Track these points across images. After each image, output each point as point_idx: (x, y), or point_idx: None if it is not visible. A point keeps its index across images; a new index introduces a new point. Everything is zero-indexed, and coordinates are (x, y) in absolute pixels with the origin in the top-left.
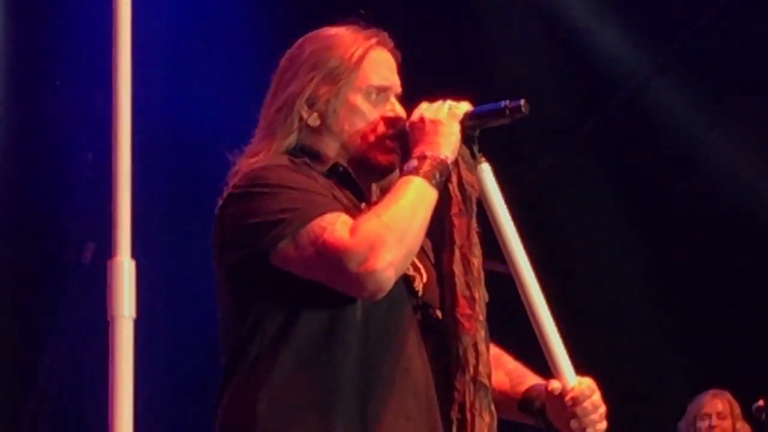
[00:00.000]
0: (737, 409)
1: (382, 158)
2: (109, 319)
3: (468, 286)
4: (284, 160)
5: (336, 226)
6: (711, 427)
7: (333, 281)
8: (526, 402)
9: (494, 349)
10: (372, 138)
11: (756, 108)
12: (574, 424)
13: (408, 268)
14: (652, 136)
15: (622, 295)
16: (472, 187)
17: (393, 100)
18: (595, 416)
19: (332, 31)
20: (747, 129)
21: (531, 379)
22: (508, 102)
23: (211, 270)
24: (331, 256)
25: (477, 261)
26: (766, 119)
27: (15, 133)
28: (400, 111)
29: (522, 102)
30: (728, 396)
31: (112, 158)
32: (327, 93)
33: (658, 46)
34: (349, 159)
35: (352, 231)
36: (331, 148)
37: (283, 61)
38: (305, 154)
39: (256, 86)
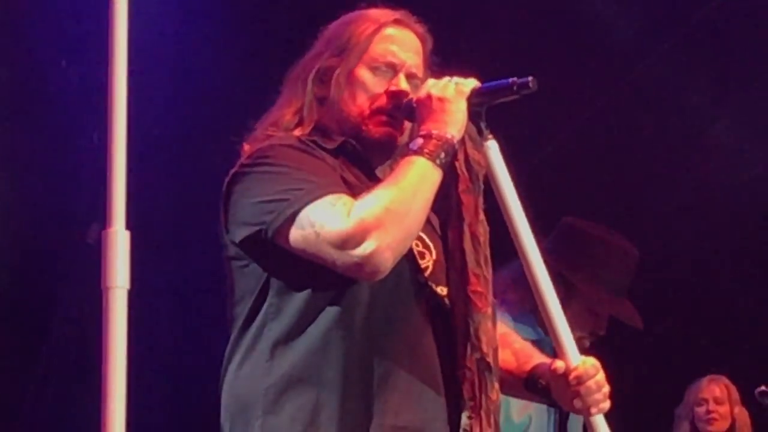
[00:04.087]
0: (735, 394)
1: (376, 131)
2: (102, 290)
3: (478, 263)
4: (292, 139)
5: (335, 207)
6: (708, 411)
7: (331, 264)
8: (532, 380)
9: (502, 328)
10: (368, 110)
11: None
12: (578, 402)
13: (416, 245)
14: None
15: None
16: (479, 164)
17: (401, 77)
18: (598, 395)
19: (362, 10)
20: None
21: (537, 358)
22: (516, 78)
23: (210, 242)
24: (329, 238)
25: (484, 239)
26: None
27: (20, 114)
28: (405, 87)
29: (530, 78)
30: (725, 381)
31: (107, 129)
32: (332, 65)
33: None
34: (346, 132)
35: (351, 213)
36: (333, 122)
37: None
38: (315, 131)
39: (250, 61)
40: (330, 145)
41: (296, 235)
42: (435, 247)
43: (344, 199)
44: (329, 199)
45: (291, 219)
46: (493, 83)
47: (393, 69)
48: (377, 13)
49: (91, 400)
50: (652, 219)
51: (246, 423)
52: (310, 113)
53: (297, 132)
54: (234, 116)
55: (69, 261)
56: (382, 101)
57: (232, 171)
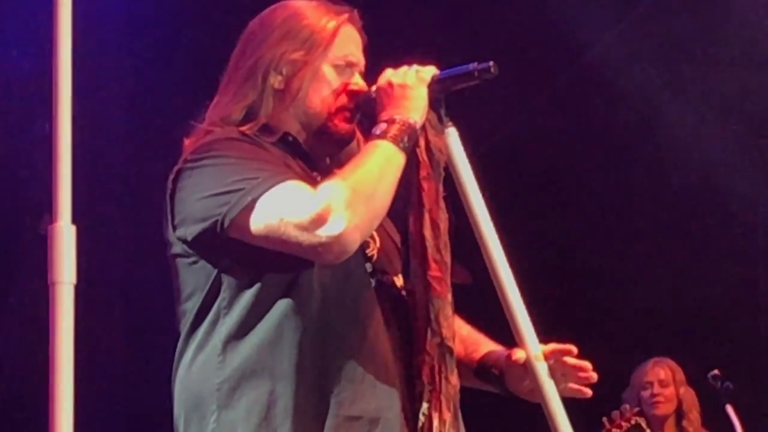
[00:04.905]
0: (680, 375)
1: (342, 127)
2: (49, 285)
3: (438, 249)
4: (234, 132)
5: (298, 192)
6: (653, 395)
7: (297, 247)
8: (484, 369)
9: None
10: (333, 107)
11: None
12: (572, 388)
13: None
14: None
15: (582, 259)
16: (440, 151)
17: (358, 75)
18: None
19: (304, 2)
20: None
21: (486, 346)
22: (476, 64)
23: (157, 237)
24: (295, 221)
25: (444, 225)
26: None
27: None
28: (363, 86)
29: (491, 64)
30: (670, 363)
31: (53, 122)
32: (297, 60)
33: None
34: (308, 127)
35: (317, 195)
36: (290, 115)
37: (253, 26)
38: (261, 128)
39: (200, 53)
40: (270, 139)
41: (257, 222)
42: (378, 235)
43: (302, 184)
44: (289, 184)
45: (249, 207)
46: (454, 69)
47: (351, 67)
48: (329, 9)
49: (43, 396)
50: (605, 201)
51: (201, 418)
52: (266, 107)
53: (245, 128)
54: (184, 109)
55: (21, 252)
56: (344, 99)
57: (176, 167)
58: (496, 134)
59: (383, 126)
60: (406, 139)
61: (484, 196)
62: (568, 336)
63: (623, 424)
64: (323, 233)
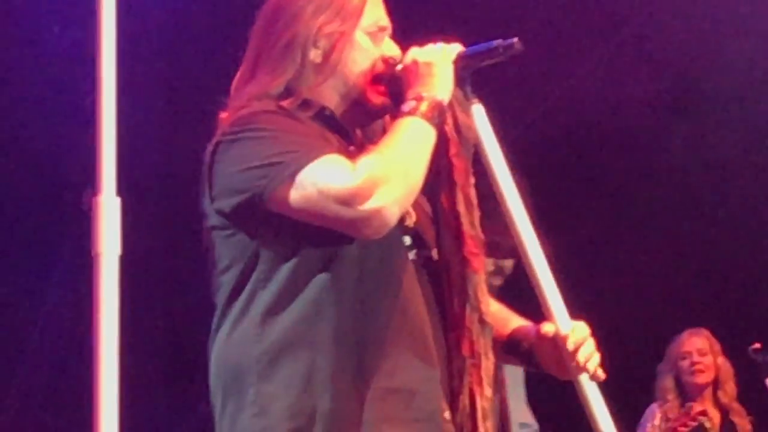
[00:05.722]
0: (716, 346)
1: (377, 100)
2: (93, 256)
3: (472, 225)
4: (272, 105)
5: (338, 166)
6: (693, 363)
7: (336, 221)
8: (513, 343)
9: None
10: (371, 76)
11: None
12: (575, 369)
13: None
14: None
15: (611, 235)
16: (469, 128)
17: (389, 41)
18: (596, 358)
19: None
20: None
21: (516, 321)
22: (501, 41)
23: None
24: (335, 195)
25: (475, 201)
26: None
27: (16, 79)
28: (397, 51)
29: (515, 40)
30: (706, 333)
31: (97, 95)
32: (333, 32)
33: None
34: (347, 97)
35: (356, 170)
36: (329, 88)
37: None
38: (297, 100)
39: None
40: (306, 113)
41: (296, 195)
42: (414, 209)
43: (342, 158)
44: (328, 158)
45: (289, 180)
46: (478, 46)
47: (383, 32)
48: None
49: (87, 369)
50: (640, 172)
51: (239, 391)
52: (306, 81)
53: (285, 102)
54: (227, 81)
55: (64, 225)
56: (381, 67)
57: (215, 140)
58: (527, 110)
59: (413, 104)
60: (435, 116)
61: (511, 172)
62: (602, 312)
63: (689, 423)
64: (364, 207)
